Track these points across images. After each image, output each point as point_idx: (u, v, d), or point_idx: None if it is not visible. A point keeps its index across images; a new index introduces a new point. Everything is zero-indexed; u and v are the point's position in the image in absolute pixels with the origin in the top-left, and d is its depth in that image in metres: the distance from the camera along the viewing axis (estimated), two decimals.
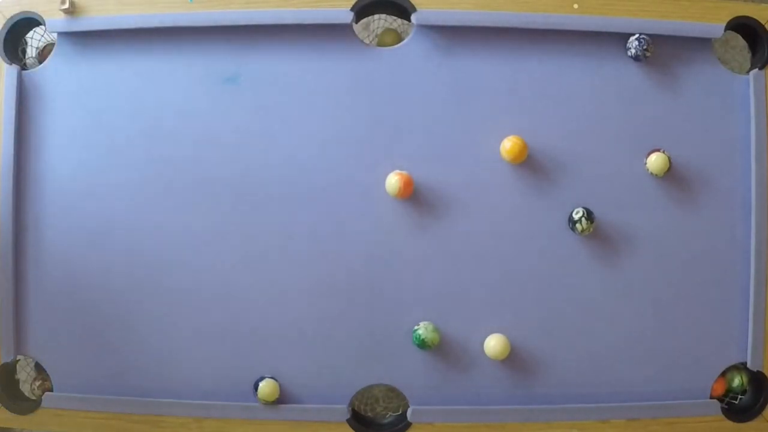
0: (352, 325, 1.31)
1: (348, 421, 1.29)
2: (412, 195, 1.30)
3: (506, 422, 1.29)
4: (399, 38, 1.42)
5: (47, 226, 1.32)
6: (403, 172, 1.29)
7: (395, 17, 1.42)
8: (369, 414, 1.43)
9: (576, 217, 1.28)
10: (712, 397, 1.32)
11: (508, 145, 1.28)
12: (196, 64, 1.32)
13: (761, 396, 1.31)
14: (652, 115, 1.32)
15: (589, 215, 1.28)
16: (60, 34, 1.33)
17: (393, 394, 1.42)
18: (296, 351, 1.31)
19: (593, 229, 1.29)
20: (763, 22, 1.33)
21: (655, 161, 1.29)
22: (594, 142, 1.32)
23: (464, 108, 1.32)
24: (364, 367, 1.31)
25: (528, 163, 1.31)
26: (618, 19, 1.31)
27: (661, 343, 1.32)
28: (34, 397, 1.36)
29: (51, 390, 1.33)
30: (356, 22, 1.33)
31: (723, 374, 1.33)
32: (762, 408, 1.31)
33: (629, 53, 1.31)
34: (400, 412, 1.35)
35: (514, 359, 1.30)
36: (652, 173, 1.30)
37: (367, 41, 1.45)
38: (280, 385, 1.29)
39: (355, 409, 1.36)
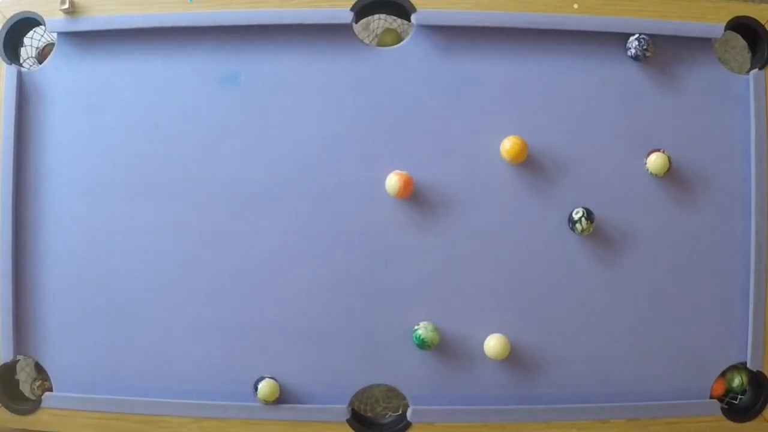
0: (352, 325, 1.31)
1: (348, 421, 1.29)
2: (412, 195, 1.30)
3: (506, 422, 1.29)
4: (399, 38, 1.42)
5: (47, 226, 1.32)
6: (403, 172, 1.29)
7: (395, 17, 1.42)
8: (369, 414, 1.43)
9: (576, 217, 1.28)
10: (712, 397, 1.32)
11: (508, 145, 1.28)
12: (196, 64, 1.32)
13: (761, 396, 1.31)
14: (652, 115, 1.32)
15: (589, 215, 1.28)
16: (60, 34, 1.33)
17: (393, 394, 1.42)
18: (296, 351, 1.31)
19: (593, 229, 1.29)
20: (763, 22, 1.33)
21: (655, 161, 1.29)
22: (594, 142, 1.32)
23: (464, 108, 1.32)
24: (364, 367, 1.31)
25: (528, 163, 1.31)
26: (618, 19, 1.31)
27: (661, 343, 1.31)
28: (34, 397, 1.36)
29: (51, 390, 1.33)
30: (356, 22, 1.33)
31: (723, 374, 1.33)
32: (762, 408, 1.31)
33: (629, 53, 1.31)
34: (400, 412, 1.35)
35: (514, 359, 1.30)
36: (652, 173, 1.30)
37: (367, 41, 1.45)
38: (280, 385, 1.29)
39: (355, 409, 1.36)
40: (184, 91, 1.32)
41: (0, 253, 1.30)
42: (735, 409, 1.34)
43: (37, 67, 1.36)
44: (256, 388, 1.29)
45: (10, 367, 1.35)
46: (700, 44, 1.33)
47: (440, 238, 1.31)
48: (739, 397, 1.36)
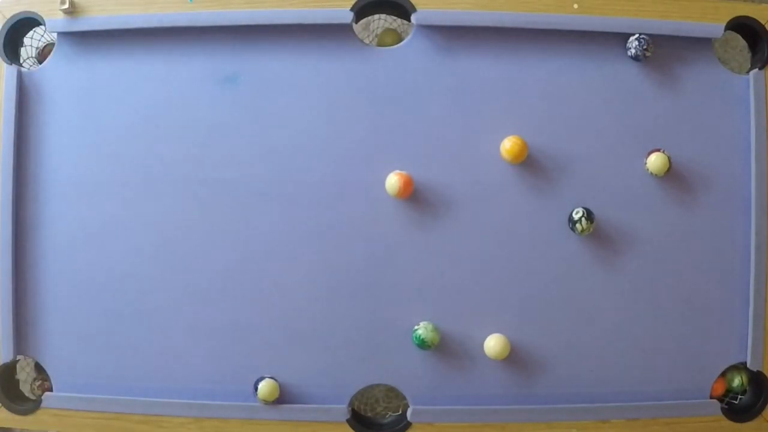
0: (352, 325, 1.31)
1: (348, 421, 1.29)
2: (412, 195, 1.30)
3: (506, 422, 1.29)
4: (399, 38, 1.42)
5: (47, 226, 1.32)
6: (403, 172, 1.29)
7: (395, 17, 1.42)
8: (369, 414, 1.43)
9: (576, 217, 1.28)
10: (712, 397, 1.32)
11: (508, 145, 1.28)
12: (195, 64, 1.32)
13: (761, 396, 1.31)
14: (652, 115, 1.32)
15: (589, 215, 1.28)
16: (60, 34, 1.33)
17: (393, 394, 1.42)
18: (296, 351, 1.31)
19: (593, 229, 1.29)
20: (763, 22, 1.33)
21: (655, 161, 1.29)
22: (594, 142, 1.32)
23: (464, 108, 1.32)
24: (364, 367, 1.31)
25: (528, 163, 1.31)
26: (618, 19, 1.31)
27: (661, 343, 1.32)
28: (34, 397, 1.36)
29: (51, 390, 1.33)
30: (356, 22, 1.33)
31: (723, 374, 1.33)
32: (762, 408, 1.31)
33: (629, 53, 1.31)
34: (400, 412, 1.35)
35: (514, 359, 1.30)
36: (652, 173, 1.30)
37: (367, 41, 1.45)
38: (280, 385, 1.29)
39: (355, 409, 1.36)
40: (184, 91, 1.32)
41: (0, 253, 1.30)
42: (735, 409, 1.34)
43: (37, 67, 1.36)
44: (256, 388, 1.29)
45: (10, 367, 1.35)
46: (700, 44, 1.33)
47: (440, 238, 1.31)
48: (739, 397, 1.36)
